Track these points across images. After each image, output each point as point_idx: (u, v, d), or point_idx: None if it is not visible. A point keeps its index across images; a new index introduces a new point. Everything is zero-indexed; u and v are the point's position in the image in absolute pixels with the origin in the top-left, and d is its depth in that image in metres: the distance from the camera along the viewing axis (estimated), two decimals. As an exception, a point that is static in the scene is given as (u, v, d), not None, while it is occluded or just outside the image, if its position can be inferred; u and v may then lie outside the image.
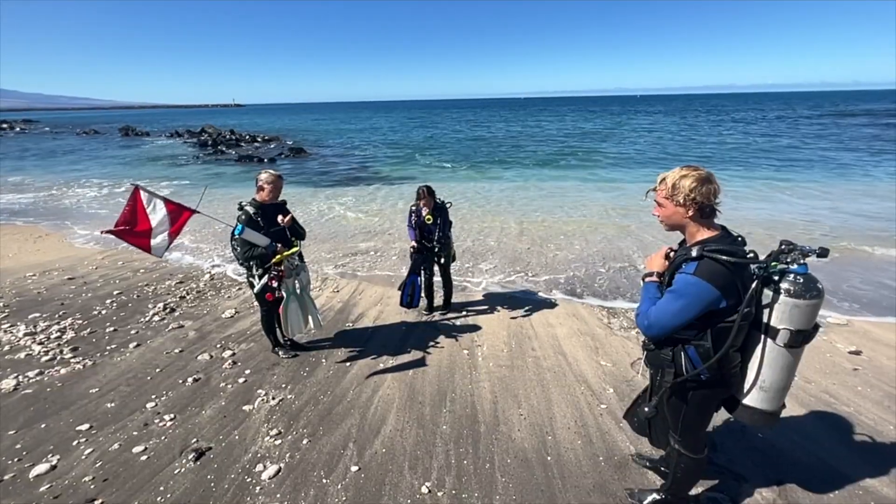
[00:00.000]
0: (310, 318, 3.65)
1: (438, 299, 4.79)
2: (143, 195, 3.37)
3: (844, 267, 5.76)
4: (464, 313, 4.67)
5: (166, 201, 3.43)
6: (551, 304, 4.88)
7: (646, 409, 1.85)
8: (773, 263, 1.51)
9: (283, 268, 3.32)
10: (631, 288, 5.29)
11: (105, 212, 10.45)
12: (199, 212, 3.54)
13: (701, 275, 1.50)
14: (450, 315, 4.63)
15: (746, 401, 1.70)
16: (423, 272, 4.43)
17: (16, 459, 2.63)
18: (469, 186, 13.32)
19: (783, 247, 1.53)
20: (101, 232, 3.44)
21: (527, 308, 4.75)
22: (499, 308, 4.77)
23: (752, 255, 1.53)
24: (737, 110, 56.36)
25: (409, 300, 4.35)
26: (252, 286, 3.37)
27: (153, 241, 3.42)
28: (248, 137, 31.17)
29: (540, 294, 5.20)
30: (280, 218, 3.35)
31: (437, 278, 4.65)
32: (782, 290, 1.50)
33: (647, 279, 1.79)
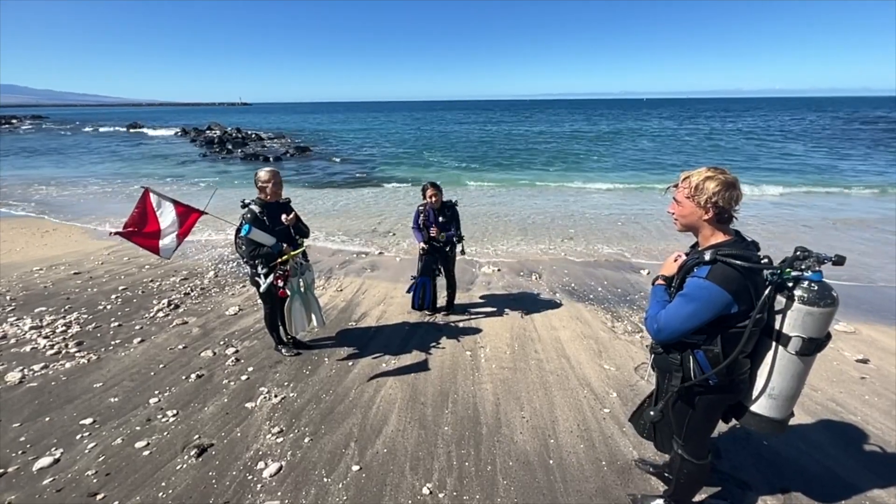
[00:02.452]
0: (313, 316, 3.64)
1: (442, 300, 4.77)
2: (153, 197, 3.39)
3: (852, 274, 5.70)
4: (467, 314, 4.65)
5: (175, 203, 3.44)
6: (555, 307, 4.85)
7: (651, 412, 1.83)
8: (788, 270, 1.49)
9: (288, 267, 3.31)
10: (635, 292, 5.26)
11: (111, 208, 10.53)
12: (207, 213, 3.55)
13: (713, 279, 1.48)
14: (453, 316, 4.61)
15: (754, 408, 1.68)
16: (433, 273, 4.40)
17: (20, 452, 2.64)
18: (474, 187, 13.31)
19: (798, 253, 1.50)
20: (110, 233, 3.45)
21: (530, 310, 4.73)
22: (502, 310, 4.75)
23: (766, 260, 1.51)
24: (742, 116, 56.03)
25: (420, 302, 4.34)
26: (257, 285, 3.35)
27: (162, 243, 3.44)
28: (254, 136, 31.34)
29: (543, 296, 5.17)
30: (284, 217, 3.33)
31: (441, 279, 4.63)
32: (796, 297, 1.47)
33: (656, 282, 1.78)
